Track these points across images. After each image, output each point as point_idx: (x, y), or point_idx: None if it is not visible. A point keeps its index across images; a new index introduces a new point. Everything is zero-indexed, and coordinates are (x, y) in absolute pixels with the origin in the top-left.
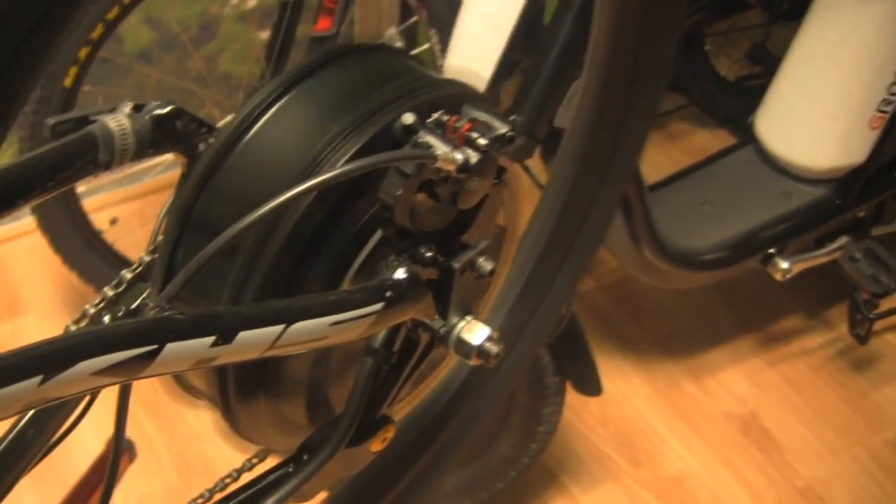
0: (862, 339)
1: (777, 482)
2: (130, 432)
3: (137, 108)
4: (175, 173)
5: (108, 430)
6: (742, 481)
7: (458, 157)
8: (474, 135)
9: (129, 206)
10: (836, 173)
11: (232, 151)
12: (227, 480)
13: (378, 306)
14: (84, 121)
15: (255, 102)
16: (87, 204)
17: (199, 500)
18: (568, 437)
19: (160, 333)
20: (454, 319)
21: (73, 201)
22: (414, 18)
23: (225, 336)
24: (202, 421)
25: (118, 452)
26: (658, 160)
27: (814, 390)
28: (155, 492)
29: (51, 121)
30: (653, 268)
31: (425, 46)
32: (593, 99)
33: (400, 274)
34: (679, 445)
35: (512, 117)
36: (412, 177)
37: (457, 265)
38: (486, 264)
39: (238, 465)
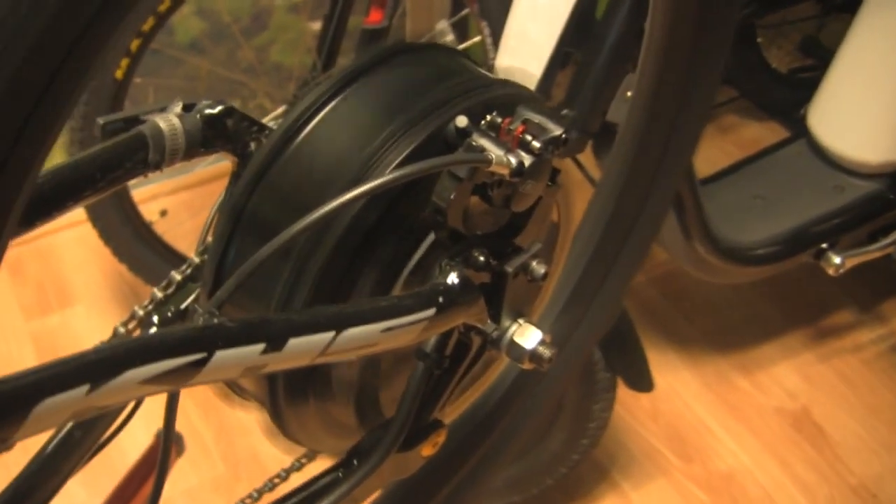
0: None
1: (829, 479)
2: (178, 424)
3: (188, 108)
4: (225, 164)
5: (158, 421)
6: (794, 478)
7: (512, 160)
8: (528, 137)
9: (178, 197)
10: (889, 167)
11: (284, 153)
12: (276, 481)
13: (430, 312)
14: (134, 120)
15: (307, 102)
16: (137, 195)
17: (248, 501)
18: (619, 433)
19: (209, 341)
20: (506, 323)
21: (122, 192)
22: (465, 11)
23: (275, 343)
24: (250, 413)
25: (167, 453)
26: (709, 153)
27: (866, 386)
28: (203, 483)
29: (101, 120)
30: (704, 262)
31: (476, 39)
32: (648, 95)
33: (452, 278)
34: (730, 441)
35: (564, 111)
36: (465, 180)
37: (510, 269)
38: (539, 268)
39: (286, 459)
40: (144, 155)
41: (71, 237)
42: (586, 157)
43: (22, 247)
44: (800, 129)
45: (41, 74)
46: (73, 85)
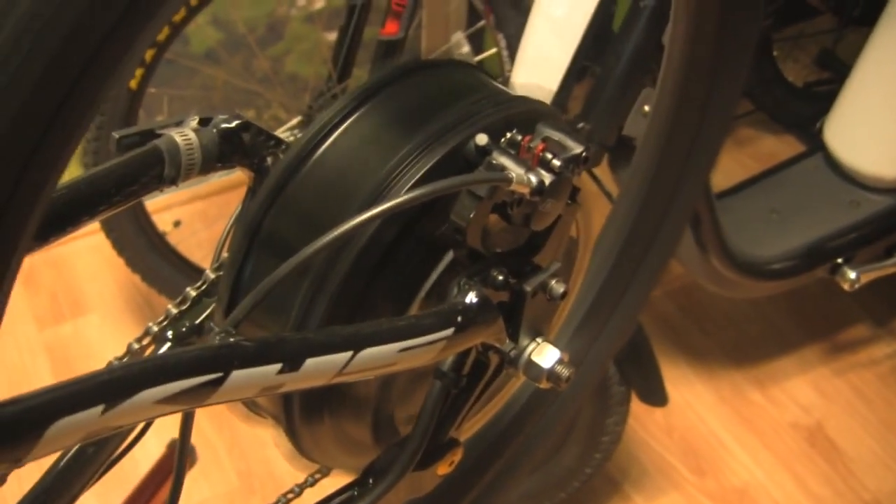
0: None
1: (843, 494)
2: (192, 436)
3: (204, 122)
4: (241, 174)
5: (170, 431)
6: (808, 493)
7: (533, 179)
8: (548, 155)
9: (193, 207)
10: None
11: (301, 169)
12: (290, 496)
13: (448, 332)
14: (150, 134)
15: (324, 118)
16: (151, 205)
17: None
18: (632, 446)
19: (225, 361)
20: (524, 342)
21: (136, 203)
22: (481, 23)
23: (292, 363)
24: (264, 427)
25: (181, 470)
26: (726, 166)
27: (881, 400)
28: (216, 496)
29: (116, 134)
30: (720, 277)
31: (492, 51)
32: (668, 110)
33: (471, 298)
34: (744, 455)
35: (581, 124)
36: (485, 199)
37: (528, 288)
38: (558, 287)
39: (300, 474)
40: (160, 170)
41: (84, 247)
42: (602, 171)
43: (35, 256)
44: (816, 143)
45: (59, 88)
46: (91, 98)
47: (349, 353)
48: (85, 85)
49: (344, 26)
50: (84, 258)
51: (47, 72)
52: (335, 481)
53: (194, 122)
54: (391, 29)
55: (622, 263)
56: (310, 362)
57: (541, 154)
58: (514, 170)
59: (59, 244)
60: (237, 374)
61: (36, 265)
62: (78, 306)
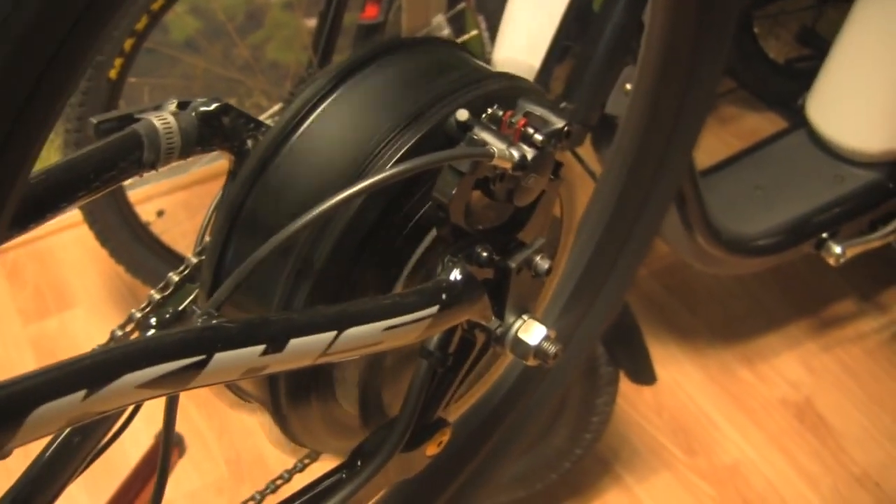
0: None
1: (833, 469)
2: (180, 425)
3: (183, 105)
4: (223, 164)
5: (159, 421)
6: (798, 468)
7: (515, 154)
8: (530, 130)
9: (175, 197)
10: (889, 156)
11: (281, 149)
12: (279, 482)
13: (433, 309)
14: (128, 119)
15: (304, 98)
16: (133, 195)
17: (251, 503)
18: (622, 427)
19: (208, 343)
20: (510, 319)
21: (118, 193)
22: (462, 5)
23: (275, 344)
24: (252, 414)
25: (167, 457)
26: (708, 144)
27: (869, 375)
28: (206, 485)
29: (94, 119)
30: (706, 254)
31: (473, 33)
32: (650, 88)
33: (455, 275)
34: (734, 433)
35: (563, 104)
36: (468, 175)
37: (513, 264)
38: (542, 263)
39: (289, 460)
40: (139, 154)
41: (68, 239)
42: (586, 150)
43: (19, 250)
44: (798, 120)
45: (31, 71)
46: (64, 82)
47: (333, 333)
48: (60, 63)
49: (324, 12)
50: (68, 251)
51: (21, 49)
52: (325, 466)
53: (173, 106)
54: (371, 13)
55: (607, 242)
56: (294, 343)
57: (522, 129)
58: (496, 145)
59: (42, 237)
60: (220, 357)
61: (20, 259)
62: (63, 300)
